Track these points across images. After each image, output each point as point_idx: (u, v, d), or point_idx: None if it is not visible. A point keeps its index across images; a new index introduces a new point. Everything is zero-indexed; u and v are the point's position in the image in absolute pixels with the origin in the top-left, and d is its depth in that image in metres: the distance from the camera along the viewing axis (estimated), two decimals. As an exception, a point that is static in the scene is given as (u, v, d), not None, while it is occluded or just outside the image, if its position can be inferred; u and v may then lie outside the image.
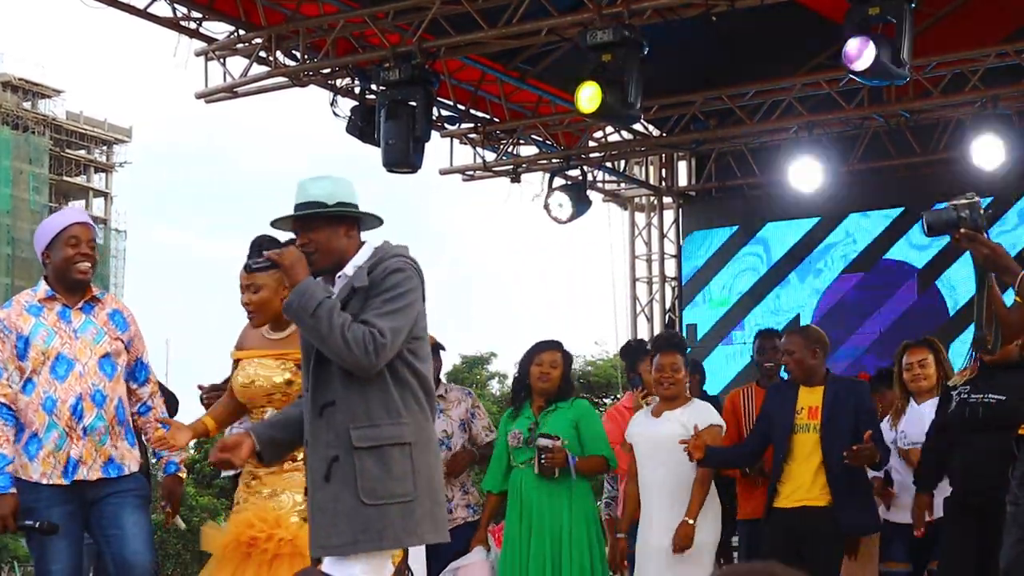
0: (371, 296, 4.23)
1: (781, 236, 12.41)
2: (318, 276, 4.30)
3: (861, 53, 8.19)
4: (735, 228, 12.61)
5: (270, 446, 4.41)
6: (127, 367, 5.19)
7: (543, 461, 6.51)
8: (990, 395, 5.90)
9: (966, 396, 5.97)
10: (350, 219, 4.36)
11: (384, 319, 4.18)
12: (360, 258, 4.35)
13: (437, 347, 7.40)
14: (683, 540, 6.40)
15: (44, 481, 4.94)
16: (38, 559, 5.01)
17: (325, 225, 4.32)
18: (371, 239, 4.42)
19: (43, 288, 5.11)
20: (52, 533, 4.92)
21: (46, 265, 5.11)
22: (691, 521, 6.42)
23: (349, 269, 4.33)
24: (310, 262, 4.29)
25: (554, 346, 6.86)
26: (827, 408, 6.36)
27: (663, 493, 6.55)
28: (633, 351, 8.40)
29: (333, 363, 4.21)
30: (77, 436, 4.96)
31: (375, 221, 4.46)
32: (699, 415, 6.57)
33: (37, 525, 4.92)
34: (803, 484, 6.36)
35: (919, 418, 6.65)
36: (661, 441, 6.54)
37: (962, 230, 4.34)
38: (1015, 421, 5.70)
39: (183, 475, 5.26)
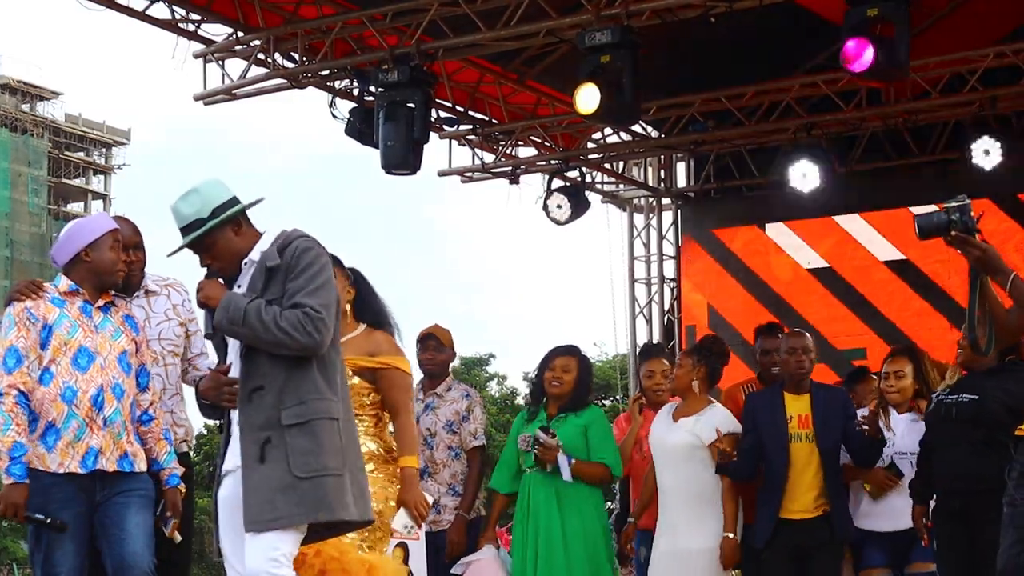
0: (290, 278, 4.35)
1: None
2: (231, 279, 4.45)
3: (860, 54, 8.18)
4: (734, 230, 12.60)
5: None
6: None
7: (535, 451, 6.47)
8: (963, 395, 5.99)
9: (943, 398, 6.04)
10: (234, 217, 4.47)
11: (312, 296, 4.31)
12: (264, 243, 4.47)
13: (427, 338, 7.34)
14: (729, 558, 6.39)
15: (61, 471, 4.93)
16: (44, 560, 4.95)
17: (214, 236, 4.45)
18: (275, 227, 4.52)
19: (65, 282, 5.11)
20: (62, 531, 4.90)
21: (83, 262, 5.08)
22: (732, 535, 6.38)
23: (255, 254, 4.45)
24: (220, 274, 4.46)
25: (569, 351, 6.71)
26: (819, 416, 6.38)
27: (677, 499, 6.54)
28: (644, 352, 8.39)
29: (261, 350, 4.33)
30: (97, 427, 4.97)
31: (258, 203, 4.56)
32: (713, 423, 6.50)
33: (48, 520, 4.90)
34: (806, 494, 6.38)
35: (905, 429, 6.60)
36: (670, 449, 6.57)
37: (953, 232, 4.38)
38: (985, 419, 5.77)
39: (183, 489, 5.28)
